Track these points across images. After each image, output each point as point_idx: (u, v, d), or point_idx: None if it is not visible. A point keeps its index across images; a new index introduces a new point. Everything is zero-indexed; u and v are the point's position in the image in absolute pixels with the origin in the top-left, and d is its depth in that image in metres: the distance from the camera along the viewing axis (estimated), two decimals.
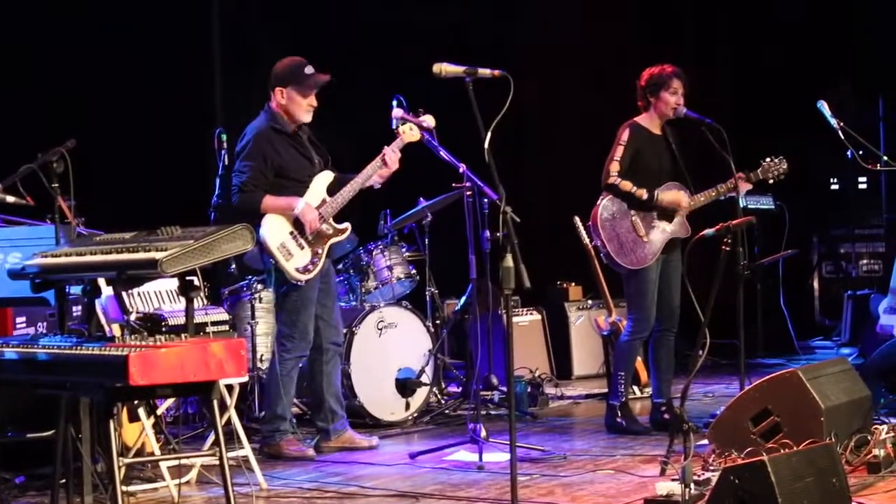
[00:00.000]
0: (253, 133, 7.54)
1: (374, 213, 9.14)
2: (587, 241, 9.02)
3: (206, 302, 7.73)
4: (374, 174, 7.61)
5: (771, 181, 8.01)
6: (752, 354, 11.33)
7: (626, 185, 7.78)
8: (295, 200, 7.44)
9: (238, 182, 7.47)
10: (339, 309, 7.90)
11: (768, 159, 7.98)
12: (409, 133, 7.61)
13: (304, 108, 7.56)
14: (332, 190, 7.59)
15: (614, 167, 7.80)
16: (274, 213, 7.42)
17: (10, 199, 6.81)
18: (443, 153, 7.46)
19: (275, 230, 7.38)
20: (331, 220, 7.56)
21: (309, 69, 7.54)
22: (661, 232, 7.85)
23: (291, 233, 7.44)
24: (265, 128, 7.54)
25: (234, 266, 8.91)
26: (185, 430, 7.95)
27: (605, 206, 7.85)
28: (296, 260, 7.43)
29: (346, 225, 7.64)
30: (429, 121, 7.61)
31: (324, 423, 7.75)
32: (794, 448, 5.62)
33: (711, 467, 6.01)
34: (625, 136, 7.85)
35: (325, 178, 7.63)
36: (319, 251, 7.50)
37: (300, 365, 7.77)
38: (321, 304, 7.63)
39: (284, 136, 7.55)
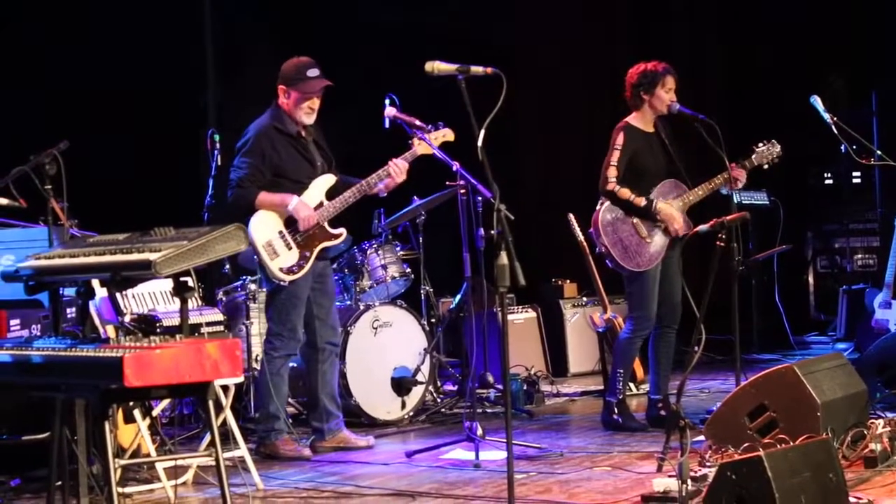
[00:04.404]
0: (254, 130, 7.55)
1: (368, 211, 9.13)
2: (581, 238, 9.02)
3: (200, 303, 7.72)
4: (378, 183, 7.59)
5: (766, 166, 7.98)
6: (747, 350, 11.34)
7: (625, 193, 7.74)
8: (289, 197, 7.42)
9: (235, 177, 7.47)
10: (336, 309, 7.88)
11: (761, 144, 7.96)
12: (423, 146, 7.57)
13: (303, 110, 7.55)
14: (334, 193, 7.57)
15: (612, 172, 7.76)
16: (267, 210, 7.41)
17: (3, 201, 6.81)
18: (436, 151, 7.45)
19: (263, 227, 7.37)
20: (325, 224, 7.54)
21: (313, 72, 7.52)
22: (664, 231, 7.81)
23: (281, 232, 7.42)
24: (267, 126, 7.54)
25: (228, 266, 8.91)
26: (181, 431, 7.94)
27: (606, 211, 7.81)
28: (281, 259, 7.41)
29: (341, 230, 7.62)
30: (448, 135, 7.60)
31: (318, 423, 7.75)
32: (791, 443, 5.61)
33: (708, 463, 6.00)
34: (619, 139, 7.81)
35: (326, 180, 7.61)
36: (308, 254, 7.47)
37: (294, 364, 7.78)
38: (317, 304, 7.62)
39: (286, 136, 7.55)
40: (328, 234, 7.57)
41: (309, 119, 7.59)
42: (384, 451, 7.69)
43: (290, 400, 8.18)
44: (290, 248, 7.44)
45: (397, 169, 7.54)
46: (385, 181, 7.57)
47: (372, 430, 8.26)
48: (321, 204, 7.53)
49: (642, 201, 7.74)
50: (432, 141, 7.51)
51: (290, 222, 7.44)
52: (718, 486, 5.14)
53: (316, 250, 7.51)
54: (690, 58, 12.68)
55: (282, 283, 7.41)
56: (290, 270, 7.42)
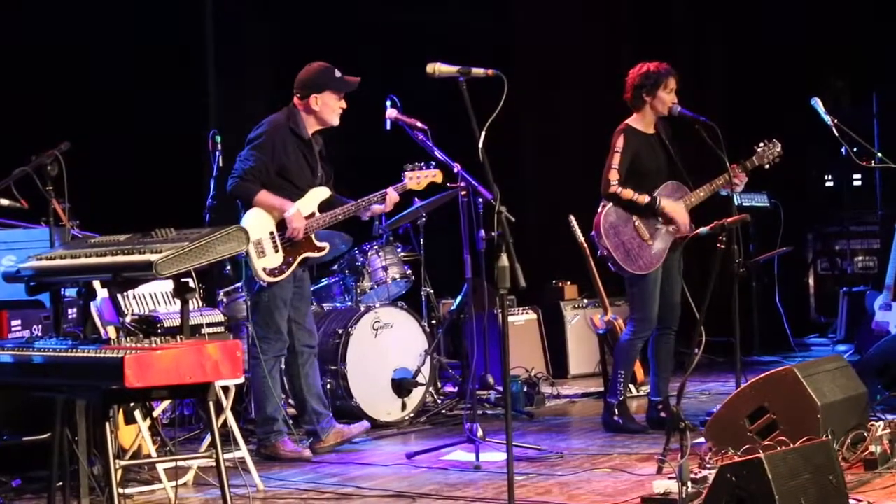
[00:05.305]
0: (269, 126, 7.57)
1: None
2: (582, 239, 9.01)
3: (201, 303, 7.73)
4: (369, 207, 7.67)
5: (767, 166, 7.96)
6: (747, 352, 11.34)
7: (628, 194, 7.74)
8: (288, 204, 7.44)
9: (240, 168, 7.48)
10: (311, 312, 7.92)
11: (762, 143, 7.95)
12: (414, 183, 7.76)
13: (336, 112, 7.61)
14: (326, 208, 7.61)
15: (613, 175, 7.76)
16: (263, 209, 7.43)
17: (5, 202, 6.82)
18: (437, 153, 7.44)
19: (256, 225, 7.39)
20: (313, 236, 7.58)
21: (338, 73, 7.59)
22: (666, 233, 7.81)
23: (271, 233, 7.45)
24: (283, 124, 7.58)
25: (229, 267, 8.91)
26: (182, 431, 7.95)
27: (607, 214, 7.80)
28: (267, 260, 7.43)
29: (325, 244, 7.66)
30: (438, 176, 7.78)
31: (311, 426, 7.75)
32: (791, 445, 5.61)
33: (708, 465, 6.00)
34: (620, 142, 7.81)
35: (321, 192, 7.64)
36: (291, 260, 7.50)
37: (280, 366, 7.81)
38: (294, 308, 7.65)
39: (298, 140, 7.58)
40: (313, 245, 7.60)
41: (337, 120, 7.64)
42: (385, 453, 7.70)
43: (289, 401, 8.18)
44: (276, 251, 7.46)
45: (392, 197, 7.66)
46: (374, 207, 7.64)
47: (372, 432, 8.25)
48: (312, 214, 7.56)
49: (646, 198, 7.73)
50: (422, 179, 7.78)
51: (282, 225, 7.46)
52: (718, 487, 5.15)
53: (299, 258, 7.53)
54: (691, 59, 12.67)
55: (262, 283, 7.44)
56: (271, 272, 7.44)
